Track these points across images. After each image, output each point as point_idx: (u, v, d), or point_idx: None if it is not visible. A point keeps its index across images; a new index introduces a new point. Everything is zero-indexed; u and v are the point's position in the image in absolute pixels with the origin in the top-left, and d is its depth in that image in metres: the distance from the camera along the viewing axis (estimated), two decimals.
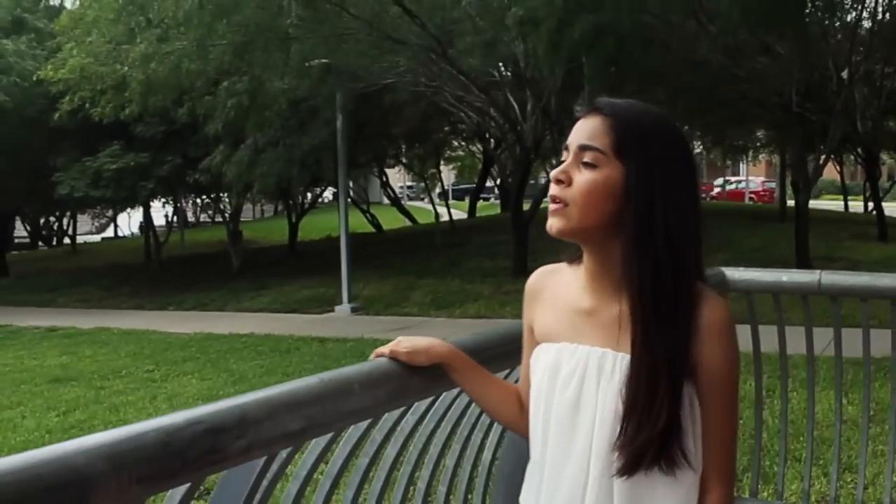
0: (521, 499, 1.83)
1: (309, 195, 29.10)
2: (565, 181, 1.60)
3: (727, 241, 18.88)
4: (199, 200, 35.64)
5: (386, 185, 33.34)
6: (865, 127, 18.58)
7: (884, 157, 35.74)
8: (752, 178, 47.88)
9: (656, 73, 16.61)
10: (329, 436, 1.85)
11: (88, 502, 1.22)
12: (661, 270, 1.57)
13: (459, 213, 32.44)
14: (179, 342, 14.52)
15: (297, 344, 13.48)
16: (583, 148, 1.60)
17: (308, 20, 12.86)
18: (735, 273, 3.98)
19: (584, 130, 1.62)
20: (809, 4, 13.20)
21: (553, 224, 1.61)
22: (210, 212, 47.29)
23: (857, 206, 34.07)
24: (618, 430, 1.59)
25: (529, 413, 1.78)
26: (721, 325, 1.60)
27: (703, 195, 46.40)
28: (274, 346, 13.51)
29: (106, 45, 15.25)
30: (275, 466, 1.75)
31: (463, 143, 32.04)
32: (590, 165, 1.58)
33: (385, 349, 1.83)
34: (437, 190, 34.66)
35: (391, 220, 32.09)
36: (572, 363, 1.67)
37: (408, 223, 32.93)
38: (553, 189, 1.62)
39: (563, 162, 1.64)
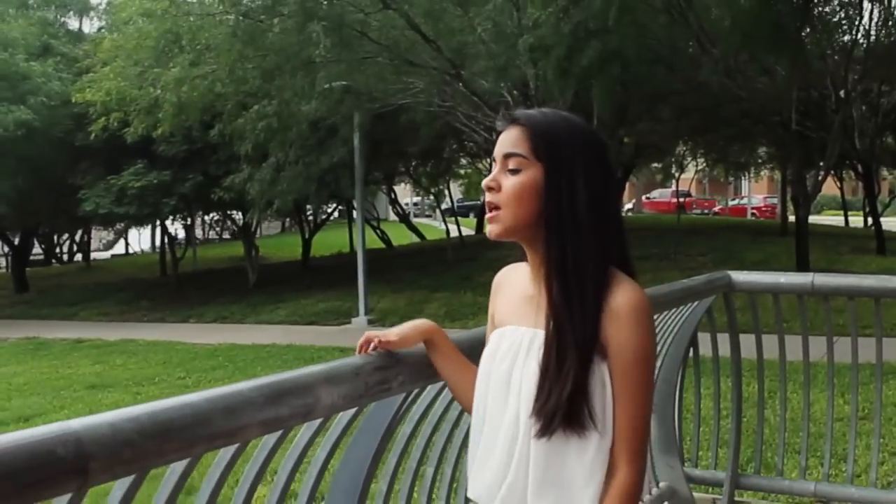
0: (468, 466, 2.01)
1: (322, 212, 29.68)
2: (496, 188, 1.78)
3: (731, 254, 19.52)
4: (206, 218, 36.22)
5: (395, 201, 33.95)
6: (863, 144, 19.20)
7: (884, 172, 36.41)
8: (755, 195, 48.60)
9: (661, 94, 17.26)
10: (440, 384, 2.46)
11: (317, 406, 1.86)
12: (568, 255, 1.73)
13: (466, 230, 33.05)
14: (205, 352, 15.10)
15: (320, 353, 14.05)
16: (507, 156, 1.78)
17: (332, 47, 13.51)
18: (739, 276, 4.61)
19: (506, 141, 1.79)
20: (807, 27, 13.82)
21: (491, 230, 1.82)
22: (218, 229, 47.96)
23: (857, 220, 34.62)
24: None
25: (475, 390, 1.94)
26: (630, 309, 1.73)
27: (706, 211, 47.07)
28: (297, 354, 14.09)
29: (137, 68, 15.99)
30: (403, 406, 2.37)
31: (470, 161, 32.63)
32: (515, 171, 1.76)
33: (370, 342, 2.03)
34: (443, 206, 35.32)
35: (399, 237, 32.66)
36: (510, 342, 1.85)
37: (415, 239, 33.52)
38: (487, 196, 1.80)
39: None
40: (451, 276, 20.70)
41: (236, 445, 1.83)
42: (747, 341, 4.72)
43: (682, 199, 41.13)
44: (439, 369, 2.09)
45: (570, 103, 16.51)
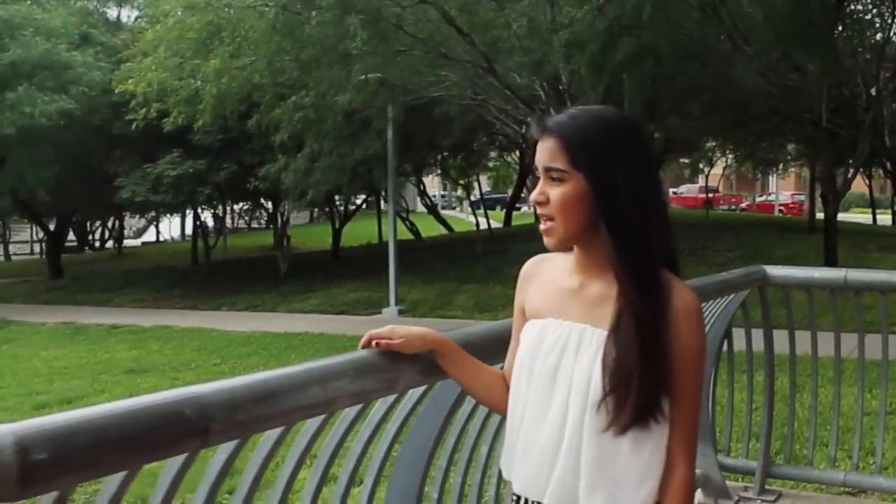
0: (501, 462, 2.02)
1: (352, 203, 29.98)
2: (545, 201, 1.80)
3: (758, 251, 19.52)
4: (235, 207, 36.49)
5: (424, 193, 34.17)
6: (893, 142, 19.18)
7: None
8: (783, 192, 48.58)
9: (692, 90, 17.32)
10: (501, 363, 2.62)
11: (398, 381, 2.02)
12: (633, 258, 1.76)
13: (494, 223, 33.21)
14: (239, 339, 15.35)
15: (352, 342, 14.06)
16: (547, 170, 1.79)
17: (369, 39, 13.71)
18: (774, 270, 4.75)
19: (545, 153, 1.80)
20: (839, 26, 13.87)
21: (548, 242, 1.83)
22: (247, 218, 48.38)
23: (885, 219, 34.52)
24: (590, 395, 1.76)
25: (512, 381, 1.95)
26: (689, 312, 1.77)
27: (733, 207, 47.02)
28: (330, 343, 14.30)
29: (177, 59, 16.33)
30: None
31: (500, 154, 32.79)
32: (558, 181, 1.77)
33: (372, 341, 1.99)
34: (471, 198, 35.56)
35: (427, 228, 32.85)
36: (555, 336, 1.85)
37: (444, 231, 33.72)
38: (538, 210, 1.82)
39: (538, 181, 1.84)
40: (480, 268, 20.86)
41: (322, 417, 2.00)
42: (780, 335, 4.86)
43: (709, 195, 41.27)
44: (451, 376, 2.08)
45: (601, 98, 16.66)
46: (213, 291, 22.15)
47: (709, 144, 29.91)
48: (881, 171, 28.52)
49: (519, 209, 38.56)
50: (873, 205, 34.40)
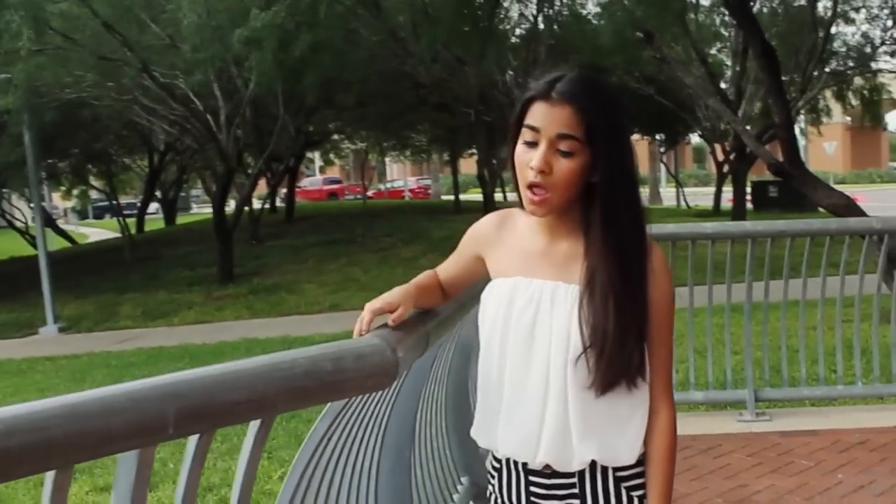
0: (473, 431, 2.09)
1: None
2: (548, 171, 1.80)
3: (417, 233, 21.20)
4: None
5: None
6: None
7: None
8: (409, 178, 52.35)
9: (343, 83, 18.57)
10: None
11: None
12: (627, 232, 1.85)
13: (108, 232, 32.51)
14: None
15: (27, 365, 13.65)
16: (560, 136, 1.79)
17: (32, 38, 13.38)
18: None
19: (559, 120, 1.79)
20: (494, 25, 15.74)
21: (537, 210, 1.85)
22: None
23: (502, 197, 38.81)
24: (570, 349, 1.85)
25: (482, 344, 2.02)
26: (662, 265, 1.89)
27: (359, 196, 49.50)
28: (1, 369, 13.69)
29: None
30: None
31: (132, 158, 32.27)
32: (567, 154, 1.79)
33: (368, 321, 1.92)
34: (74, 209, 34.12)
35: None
36: (528, 293, 1.91)
37: (65, 244, 32.67)
38: (537, 178, 1.81)
39: (530, 143, 1.83)
40: (136, 277, 20.71)
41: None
42: None
43: (336, 186, 43.62)
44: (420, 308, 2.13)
45: (253, 96, 17.34)
46: None
47: (335, 137, 31.69)
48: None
49: (131, 215, 37.36)
50: (503, 184, 38.32)
